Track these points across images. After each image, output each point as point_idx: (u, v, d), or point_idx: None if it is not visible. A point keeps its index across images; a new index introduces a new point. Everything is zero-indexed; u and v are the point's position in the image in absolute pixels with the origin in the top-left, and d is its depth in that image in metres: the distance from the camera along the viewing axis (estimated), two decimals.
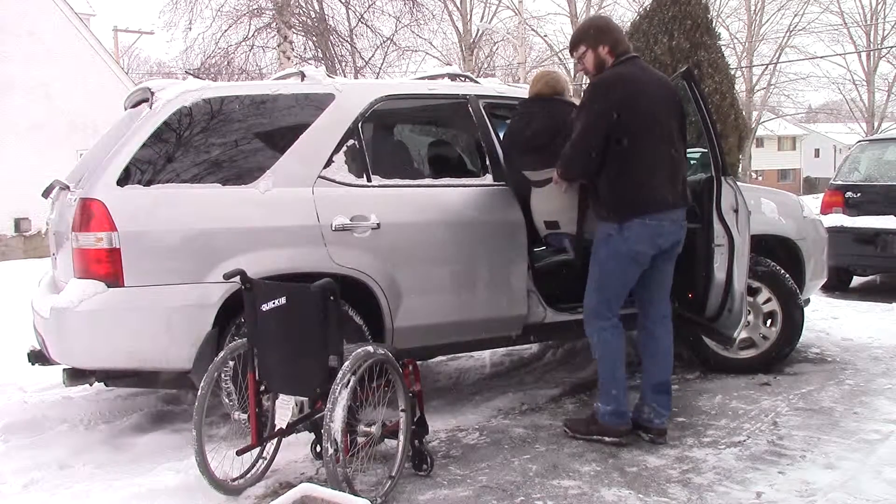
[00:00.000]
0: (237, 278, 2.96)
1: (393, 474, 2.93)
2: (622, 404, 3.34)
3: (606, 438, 3.33)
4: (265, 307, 2.91)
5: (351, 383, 2.71)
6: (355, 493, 2.63)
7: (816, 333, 5.38)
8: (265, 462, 3.15)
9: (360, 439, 2.94)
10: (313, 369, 2.82)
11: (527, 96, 3.97)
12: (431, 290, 3.80)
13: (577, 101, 3.86)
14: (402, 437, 2.97)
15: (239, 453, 2.99)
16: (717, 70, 10.11)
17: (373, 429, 2.91)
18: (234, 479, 3.03)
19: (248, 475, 3.08)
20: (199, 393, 2.97)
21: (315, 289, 2.77)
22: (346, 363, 2.74)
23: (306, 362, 2.85)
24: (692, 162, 4.23)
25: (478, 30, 27.74)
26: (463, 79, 4.48)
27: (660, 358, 3.43)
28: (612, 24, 3.50)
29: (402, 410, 2.98)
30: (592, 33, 3.38)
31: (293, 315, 2.85)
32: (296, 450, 3.33)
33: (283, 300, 2.88)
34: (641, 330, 3.50)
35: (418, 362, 4.79)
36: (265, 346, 2.98)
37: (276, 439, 3.12)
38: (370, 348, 2.86)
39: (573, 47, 3.46)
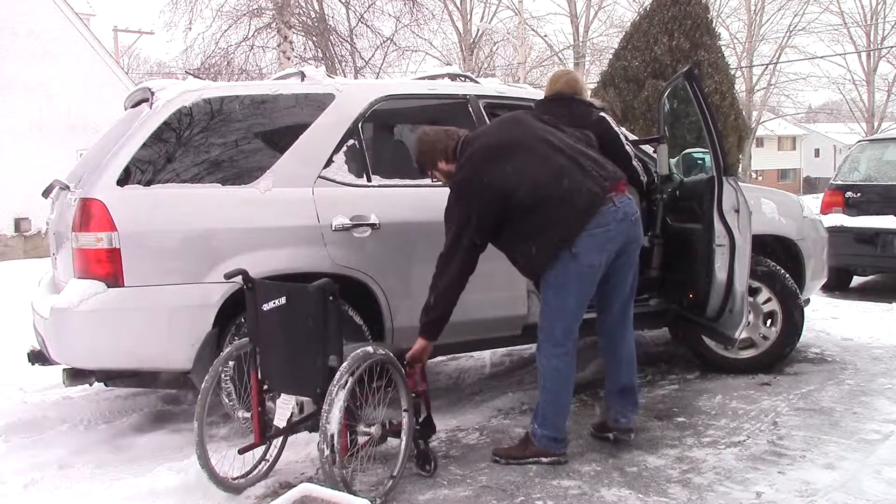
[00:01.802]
0: (238, 278, 2.97)
1: (394, 474, 2.93)
2: (562, 432, 3.17)
3: (544, 459, 3.15)
4: (266, 307, 2.92)
5: (349, 384, 2.71)
6: (353, 494, 2.62)
7: (816, 333, 5.38)
8: (268, 463, 3.15)
9: (361, 439, 2.93)
10: (313, 369, 2.82)
11: (544, 96, 3.94)
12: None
13: (594, 102, 3.86)
14: (404, 438, 2.97)
15: (241, 452, 3.00)
16: (717, 70, 10.12)
17: (373, 429, 2.89)
18: (234, 478, 3.03)
19: (251, 475, 3.09)
20: (202, 387, 3.00)
21: (313, 289, 2.77)
22: (344, 364, 2.74)
23: (306, 362, 2.85)
24: (698, 162, 4.23)
25: (478, 30, 27.76)
26: (463, 79, 4.48)
27: (624, 363, 3.32)
28: (432, 136, 3.30)
29: (405, 410, 2.98)
30: (426, 157, 3.31)
31: (293, 315, 2.86)
32: (296, 450, 3.33)
33: (283, 300, 2.88)
34: (602, 335, 3.37)
35: None
36: (267, 346, 2.99)
37: (280, 440, 3.13)
38: (370, 349, 2.86)
39: (422, 172, 3.42)
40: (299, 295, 2.84)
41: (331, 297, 2.78)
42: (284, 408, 2.95)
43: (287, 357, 2.94)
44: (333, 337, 2.80)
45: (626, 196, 3.16)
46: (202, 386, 3.00)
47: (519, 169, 3.07)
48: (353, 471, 2.91)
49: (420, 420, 3.10)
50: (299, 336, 2.86)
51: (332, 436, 2.64)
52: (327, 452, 2.63)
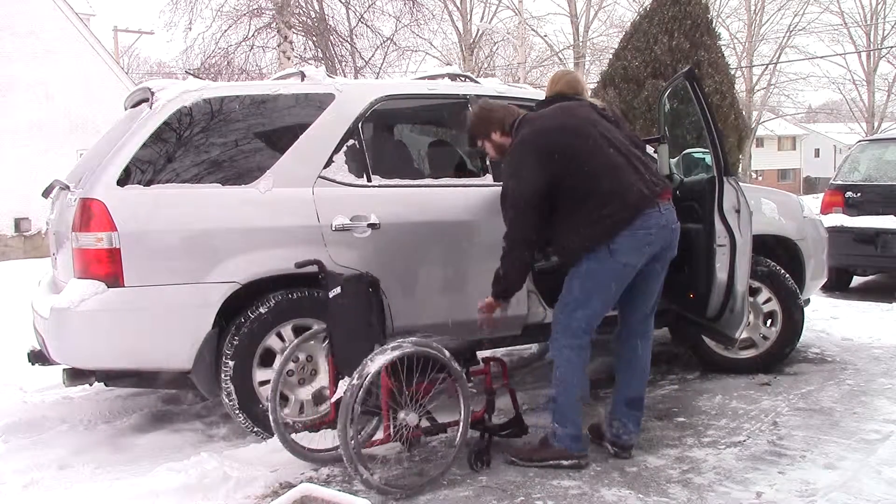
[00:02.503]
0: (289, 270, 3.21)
1: (446, 468, 3.03)
2: (580, 428, 3.13)
3: (565, 462, 3.09)
4: (331, 294, 3.14)
5: (373, 370, 2.82)
6: (362, 473, 2.81)
7: (816, 333, 5.38)
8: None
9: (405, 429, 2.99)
10: (362, 353, 2.93)
11: (545, 96, 3.93)
12: (431, 290, 3.80)
13: (595, 102, 3.85)
14: (459, 433, 3.04)
15: (315, 429, 3.27)
16: (717, 70, 10.11)
17: (409, 418, 2.95)
18: (314, 451, 3.23)
19: (333, 451, 3.20)
20: (281, 359, 3.28)
21: (351, 277, 3.07)
22: (374, 352, 2.88)
23: (357, 346, 3.01)
24: (699, 162, 4.23)
25: (478, 30, 27.74)
26: (463, 79, 4.48)
27: (638, 372, 3.25)
28: (492, 106, 3.36)
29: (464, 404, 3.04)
30: (481, 126, 3.34)
31: (346, 302, 3.08)
32: None
33: (338, 289, 3.10)
34: (619, 340, 3.29)
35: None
36: (332, 331, 3.22)
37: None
38: (403, 341, 2.93)
39: (471, 142, 3.44)
40: (349, 284, 3.07)
41: (370, 288, 3.02)
42: (343, 390, 3.07)
43: (344, 341, 3.14)
44: (374, 324, 3.01)
45: (671, 204, 3.17)
46: (281, 359, 3.28)
47: (573, 155, 3.05)
48: (398, 459, 3.14)
49: (512, 418, 3.24)
50: (351, 322, 3.08)
51: (348, 419, 2.78)
52: (340, 426, 2.78)
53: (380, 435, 3.05)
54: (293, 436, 3.25)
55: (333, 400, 3.10)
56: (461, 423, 3.03)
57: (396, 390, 2.91)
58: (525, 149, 3.12)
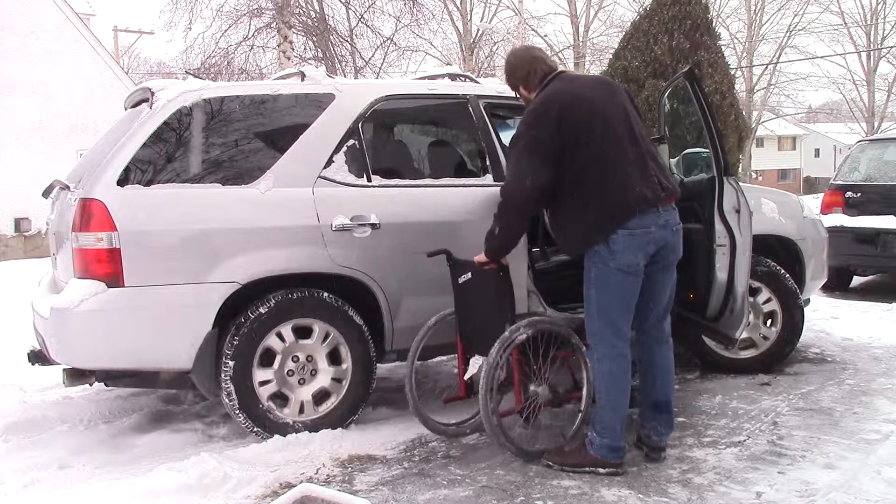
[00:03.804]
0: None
1: (566, 435, 3.31)
2: (619, 439, 3.05)
3: (601, 470, 3.04)
4: (461, 279, 3.43)
5: (510, 348, 3.15)
6: (506, 441, 3.16)
7: (816, 333, 5.38)
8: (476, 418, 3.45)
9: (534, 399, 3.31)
10: (495, 332, 3.18)
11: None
12: (431, 290, 3.79)
13: None
14: (582, 404, 3.31)
15: (446, 401, 3.65)
16: (717, 70, 10.09)
17: (539, 389, 3.29)
18: (448, 424, 3.56)
19: (467, 423, 3.57)
20: (416, 338, 3.55)
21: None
22: (505, 332, 3.15)
23: (489, 326, 3.25)
24: (699, 161, 4.22)
25: (478, 30, 27.73)
26: (463, 79, 4.48)
27: (658, 376, 3.19)
28: (516, 62, 3.28)
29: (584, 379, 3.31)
30: (509, 79, 3.31)
31: (477, 287, 3.35)
32: (295, 450, 3.33)
33: (469, 275, 3.38)
34: (637, 344, 3.24)
35: (419, 362, 4.82)
36: (461, 314, 3.49)
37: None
38: (535, 320, 3.27)
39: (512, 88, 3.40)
40: (480, 269, 3.29)
41: (501, 273, 3.24)
42: (474, 368, 3.33)
43: (475, 323, 3.40)
44: (505, 306, 3.24)
45: (672, 207, 3.11)
46: (416, 338, 3.55)
47: (591, 129, 2.98)
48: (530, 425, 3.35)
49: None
50: (482, 305, 3.35)
51: (488, 393, 3.11)
52: (482, 393, 3.12)
53: (511, 405, 3.34)
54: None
55: (467, 377, 3.40)
56: (585, 392, 3.30)
57: (525, 365, 3.25)
58: (548, 103, 3.05)
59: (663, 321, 3.23)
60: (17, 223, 16.33)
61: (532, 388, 3.29)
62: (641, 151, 3.05)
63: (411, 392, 3.54)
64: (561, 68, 3.26)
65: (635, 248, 2.98)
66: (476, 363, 3.30)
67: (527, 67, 3.24)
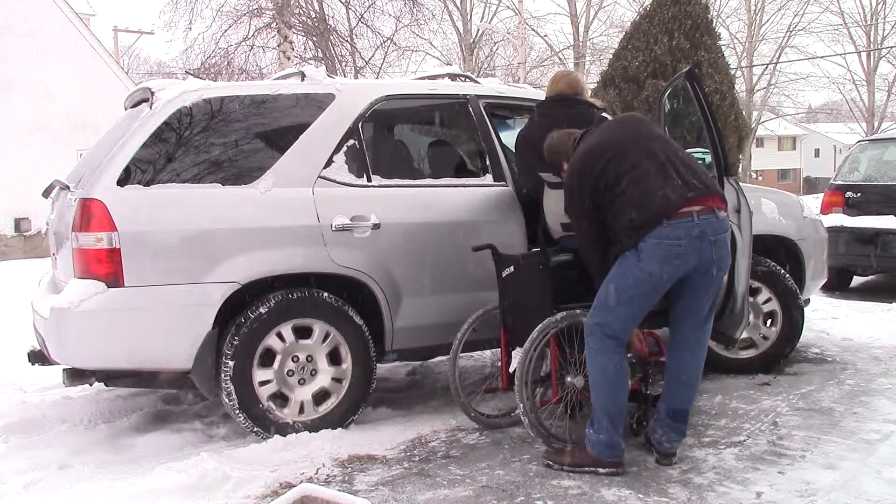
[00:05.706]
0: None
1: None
2: (616, 435, 3.02)
3: (601, 470, 3.02)
4: (504, 273, 3.51)
5: (542, 341, 3.25)
6: (545, 434, 3.24)
7: (816, 333, 5.38)
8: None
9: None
10: (532, 326, 3.26)
11: (545, 97, 3.93)
12: (431, 290, 3.80)
13: (595, 102, 3.84)
14: None
15: (487, 391, 3.81)
16: (717, 70, 10.09)
17: (576, 380, 3.32)
18: (489, 415, 3.69)
19: (508, 416, 3.67)
20: (460, 332, 3.63)
21: (526, 256, 3.45)
22: (540, 325, 3.23)
23: (531, 319, 3.31)
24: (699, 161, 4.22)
25: (478, 30, 27.73)
26: (463, 79, 4.48)
27: (681, 386, 3.15)
28: (555, 144, 3.38)
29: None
30: (552, 161, 3.40)
31: (519, 280, 3.44)
32: (295, 450, 3.34)
33: (511, 268, 3.47)
34: (670, 350, 3.23)
35: (419, 363, 4.82)
36: (505, 307, 3.57)
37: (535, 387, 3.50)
38: (572, 312, 3.28)
39: (559, 172, 3.45)
40: (523, 264, 3.42)
41: (541, 266, 3.34)
42: (516, 360, 3.35)
43: (517, 316, 3.47)
44: (545, 300, 3.32)
45: (714, 215, 3.00)
46: (463, 328, 3.64)
47: (607, 162, 3.03)
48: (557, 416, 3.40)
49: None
50: (524, 298, 3.42)
51: (524, 384, 3.21)
52: (522, 400, 3.22)
53: (549, 396, 3.45)
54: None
55: (512, 369, 3.38)
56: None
57: (563, 358, 3.33)
58: (569, 175, 3.20)
59: (699, 329, 3.15)
60: (17, 223, 16.32)
61: (569, 379, 3.33)
62: (660, 160, 3.02)
63: (454, 383, 3.65)
64: (577, 133, 3.32)
65: (660, 258, 2.92)
66: (518, 356, 3.34)
67: (564, 145, 3.33)
